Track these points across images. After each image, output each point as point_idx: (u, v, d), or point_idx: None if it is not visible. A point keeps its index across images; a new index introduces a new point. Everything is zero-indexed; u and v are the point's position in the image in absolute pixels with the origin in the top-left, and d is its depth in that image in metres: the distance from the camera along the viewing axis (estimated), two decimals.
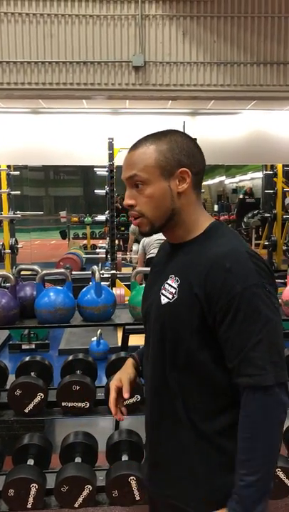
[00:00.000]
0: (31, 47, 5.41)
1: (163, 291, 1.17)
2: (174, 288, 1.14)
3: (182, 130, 7.07)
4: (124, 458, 2.27)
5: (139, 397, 2.23)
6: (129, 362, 1.45)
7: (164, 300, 1.16)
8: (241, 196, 9.51)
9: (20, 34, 5.38)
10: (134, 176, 1.15)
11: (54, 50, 5.44)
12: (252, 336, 1.05)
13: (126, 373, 1.39)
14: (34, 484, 2.11)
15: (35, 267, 2.44)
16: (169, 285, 1.16)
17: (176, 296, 1.14)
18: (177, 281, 1.14)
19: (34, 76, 5.44)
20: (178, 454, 1.18)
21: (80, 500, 2.13)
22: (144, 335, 1.38)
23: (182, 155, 1.15)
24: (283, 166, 7.04)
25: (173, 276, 1.16)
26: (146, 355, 1.27)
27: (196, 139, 1.32)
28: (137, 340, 2.05)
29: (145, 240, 5.39)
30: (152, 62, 5.51)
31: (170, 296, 1.15)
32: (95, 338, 4.65)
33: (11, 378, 2.37)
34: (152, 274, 1.33)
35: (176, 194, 1.15)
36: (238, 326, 1.06)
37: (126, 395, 1.31)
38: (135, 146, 1.17)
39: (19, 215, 7.00)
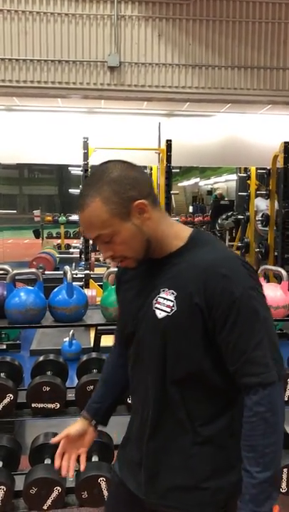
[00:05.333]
0: (5, 44, 5.34)
1: (157, 306, 1.15)
2: (171, 301, 1.14)
3: (157, 131, 7.02)
4: (94, 459, 2.27)
5: None
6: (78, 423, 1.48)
7: (160, 314, 1.15)
8: (212, 201, 9.57)
9: None
10: (98, 236, 1.14)
11: (28, 48, 5.39)
12: (253, 336, 1.09)
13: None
14: (2, 487, 2.08)
15: (6, 267, 2.40)
16: (164, 298, 1.15)
17: (174, 309, 1.13)
18: (173, 293, 1.14)
19: (8, 73, 5.37)
20: (182, 460, 1.18)
21: (49, 502, 2.11)
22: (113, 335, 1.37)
23: (127, 190, 1.12)
24: (256, 168, 7.11)
25: (166, 289, 1.15)
26: (137, 369, 1.25)
27: (137, 168, 1.17)
28: (109, 340, 2.03)
29: None
30: (128, 62, 5.52)
31: (168, 310, 1.14)
32: (67, 339, 4.62)
33: None
34: (128, 290, 1.29)
35: (142, 225, 1.15)
36: (239, 329, 1.09)
37: (82, 467, 1.44)
38: (82, 207, 1.13)
39: None
